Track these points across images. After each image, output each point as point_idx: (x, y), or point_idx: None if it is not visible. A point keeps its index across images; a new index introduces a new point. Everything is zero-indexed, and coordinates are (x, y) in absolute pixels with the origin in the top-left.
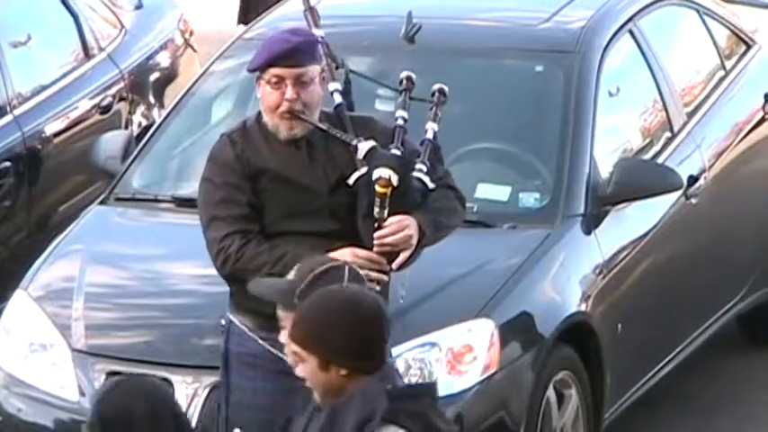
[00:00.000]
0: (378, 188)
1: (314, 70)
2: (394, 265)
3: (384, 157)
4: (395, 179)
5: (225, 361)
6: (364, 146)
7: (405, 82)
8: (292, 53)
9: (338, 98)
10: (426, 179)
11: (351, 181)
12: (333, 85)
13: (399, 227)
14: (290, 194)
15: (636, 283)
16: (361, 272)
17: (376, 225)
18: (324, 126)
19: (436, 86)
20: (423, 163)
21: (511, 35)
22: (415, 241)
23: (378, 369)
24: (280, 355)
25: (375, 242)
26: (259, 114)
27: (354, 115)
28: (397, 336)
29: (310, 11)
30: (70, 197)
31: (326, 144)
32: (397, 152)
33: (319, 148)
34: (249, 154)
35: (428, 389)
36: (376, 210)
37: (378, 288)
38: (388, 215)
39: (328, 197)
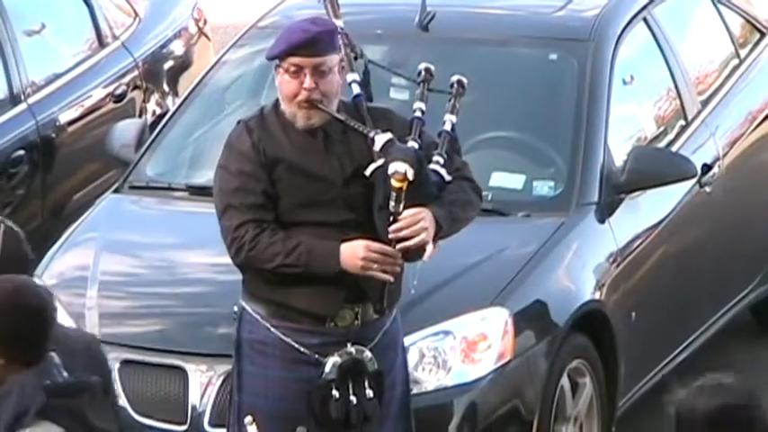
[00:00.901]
0: (393, 182)
1: (333, 60)
2: (425, 258)
3: (400, 150)
4: (410, 174)
5: (237, 348)
6: (381, 138)
7: (423, 73)
8: (311, 42)
9: (356, 89)
10: (443, 171)
11: (368, 172)
12: (351, 76)
13: (414, 220)
14: (305, 184)
15: (650, 272)
16: (374, 265)
17: (391, 219)
18: (341, 117)
19: (455, 78)
20: (440, 155)
21: (525, 23)
22: (431, 234)
23: (35, 362)
24: (291, 343)
25: (390, 236)
26: (276, 102)
27: (372, 106)
28: (412, 324)
29: (330, 1)
30: (84, 185)
31: (343, 134)
32: (415, 144)
33: (336, 139)
34: (265, 142)
35: (88, 386)
36: (391, 204)
37: (392, 280)
38: (404, 208)
39: (343, 188)
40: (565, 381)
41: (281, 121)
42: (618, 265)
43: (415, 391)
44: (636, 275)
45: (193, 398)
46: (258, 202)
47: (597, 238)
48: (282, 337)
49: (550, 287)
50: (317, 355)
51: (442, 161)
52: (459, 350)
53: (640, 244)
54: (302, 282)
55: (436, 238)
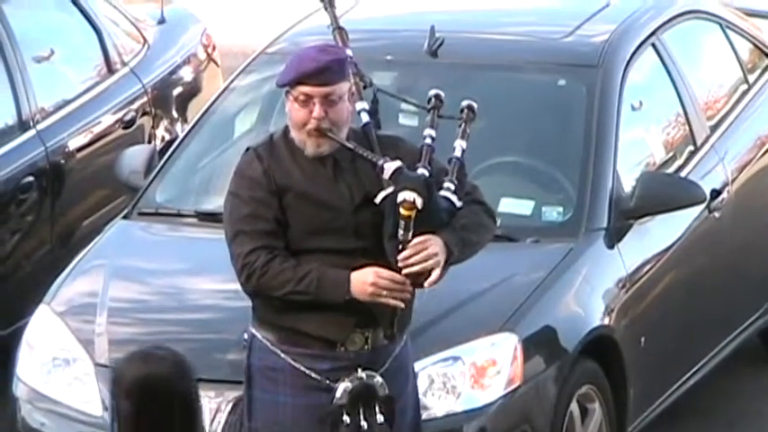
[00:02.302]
0: (402, 210)
1: (342, 88)
2: (426, 284)
3: (409, 178)
4: (419, 202)
5: (248, 375)
6: (390, 166)
7: (433, 100)
8: (321, 72)
9: (365, 117)
10: (454, 198)
11: (377, 200)
12: (360, 105)
13: (422, 247)
14: (314, 212)
15: (659, 297)
16: (383, 293)
17: (400, 246)
18: (351, 145)
19: (465, 103)
20: (451, 181)
21: (533, 49)
22: (441, 260)
23: None
24: (302, 368)
25: (399, 264)
26: (286, 129)
27: (382, 134)
28: (421, 350)
29: (339, 30)
30: (93, 212)
31: (353, 162)
32: (425, 172)
33: (345, 167)
34: (275, 169)
35: None
36: (400, 232)
37: (402, 307)
38: (414, 236)
39: (352, 215)
40: (574, 406)
41: (290, 148)
42: (627, 291)
43: (424, 416)
44: (645, 301)
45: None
46: (269, 228)
47: (606, 264)
48: (293, 362)
49: (560, 313)
50: (327, 381)
51: (453, 187)
52: (468, 376)
53: (649, 269)
54: (312, 307)
55: (447, 264)
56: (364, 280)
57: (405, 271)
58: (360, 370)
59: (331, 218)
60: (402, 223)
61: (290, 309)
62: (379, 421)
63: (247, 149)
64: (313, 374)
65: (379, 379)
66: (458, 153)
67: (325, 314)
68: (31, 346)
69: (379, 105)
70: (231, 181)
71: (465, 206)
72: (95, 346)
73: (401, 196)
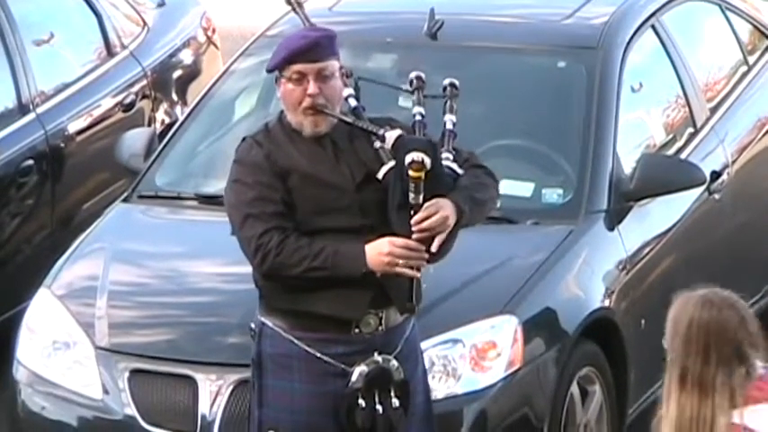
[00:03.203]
0: (412, 173)
1: (334, 65)
2: (432, 248)
3: (414, 141)
4: (428, 161)
5: (258, 363)
6: (392, 134)
7: (415, 81)
8: (312, 48)
9: (353, 102)
10: (454, 166)
11: (380, 175)
12: (346, 91)
13: (435, 209)
14: (319, 192)
15: (659, 279)
16: (399, 261)
17: (412, 211)
18: (349, 119)
19: (446, 81)
20: (448, 151)
21: (533, 31)
22: (452, 221)
23: None
24: (317, 354)
25: (413, 228)
26: (281, 115)
27: (373, 116)
28: (422, 332)
29: (299, 6)
30: (93, 195)
31: (350, 141)
32: (425, 137)
33: (344, 147)
34: (276, 154)
35: None
36: (411, 195)
37: (419, 275)
38: (424, 200)
39: (356, 194)
40: (574, 388)
41: (287, 132)
42: (627, 273)
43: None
44: (645, 283)
45: (203, 407)
46: (278, 210)
47: (606, 246)
48: (307, 349)
49: (560, 295)
50: (343, 365)
51: (451, 157)
52: (468, 358)
53: (650, 251)
54: (325, 287)
55: (459, 225)
56: (380, 250)
57: (416, 236)
58: (376, 353)
59: (336, 197)
60: (412, 186)
61: (302, 291)
62: (394, 405)
63: (244, 139)
64: (328, 359)
65: (394, 362)
66: (449, 126)
67: (339, 293)
68: (31, 330)
69: (360, 94)
70: (232, 170)
71: (466, 171)
72: (96, 329)
73: (409, 157)
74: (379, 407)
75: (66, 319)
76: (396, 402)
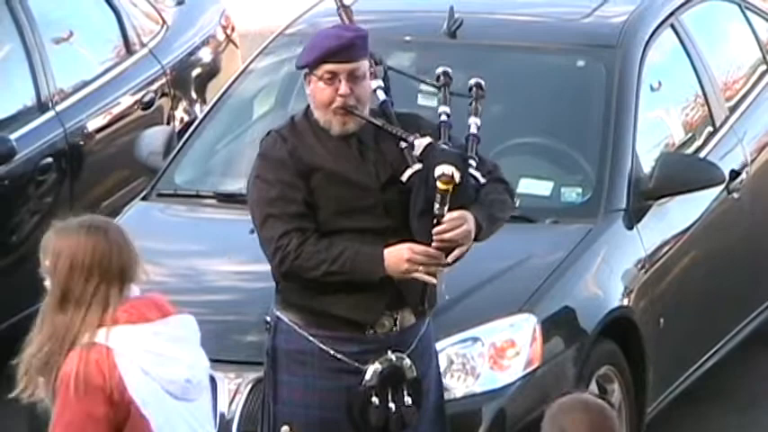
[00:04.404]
0: (440, 185)
1: (365, 65)
2: (450, 258)
3: (444, 153)
4: (457, 176)
5: (272, 358)
6: (421, 142)
7: (442, 77)
8: (346, 48)
9: (381, 95)
10: (477, 174)
11: (404, 178)
12: (375, 83)
13: (459, 222)
14: (343, 192)
15: (678, 278)
16: (419, 268)
17: (435, 221)
18: (378, 122)
19: (473, 81)
20: (472, 158)
21: (552, 30)
22: (473, 236)
23: None
24: (331, 351)
25: (435, 237)
26: (307, 110)
27: (400, 112)
28: (441, 331)
29: (344, 9)
30: (112, 193)
31: (376, 141)
32: (455, 150)
33: (369, 145)
34: (301, 151)
35: None
36: (436, 206)
37: (435, 282)
38: (448, 211)
39: (380, 194)
40: (593, 387)
41: (313, 129)
42: (646, 272)
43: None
44: (664, 282)
45: (222, 405)
46: (299, 210)
47: (625, 245)
48: (322, 346)
49: (579, 294)
50: (356, 363)
51: (474, 164)
52: (487, 357)
53: (668, 250)
54: (343, 289)
55: (477, 239)
56: (399, 256)
57: (437, 245)
58: (389, 352)
59: (359, 196)
60: (439, 197)
61: (320, 291)
62: (407, 403)
63: (269, 132)
64: (342, 357)
65: (408, 361)
66: (473, 130)
67: (356, 297)
68: None
69: (390, 83)
70: (255, 164)
71: (488, 183)
72: None
73: (439, 170)
74: (392, 404)
75: None
76: (408, 400)
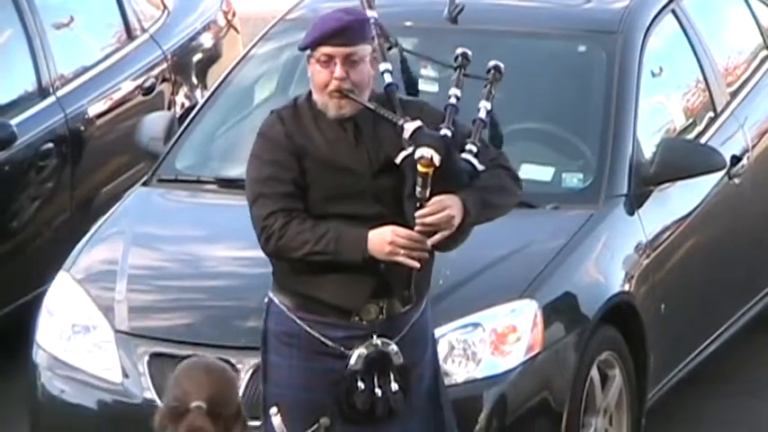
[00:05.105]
0: (420, 167)
1: (364, 50)
2: (429, 242)
3: (428, 136)
4: (437, 159)
5: (264, 339)
6: (411, 126)
7: (460, 58)
8: (342, 31)
9: (389, 78)
10: (474, 160)
11: (398, 160)
12: (384, 66)
13: (440, 206)
14: (334, 177)
15: (679, 263)
16: (401, 251)
17: (418, 204)
18: (372, 106)
19: (492, 63)
20: (473, 144)
21: (553, 15)
22: (457, 221)
23: None
24: (317, 335)
25: (417, 221)
26: (310, 93)
27: (406, 98)
28: (442, 316)
29: None
30: (113, 178)
31: (374, 126)
32: (447, 132)
33: (366, 131)
34: (296, 132)
35: None
36: (418, 189)
37: (418, 266)
38: (432, 195)
39: (372, 180)
40: (594, 373)
41: (313, 111)
42: (647, 257)
43: (444, 383)
44: (665, 267)
45: None
46: (288, 191)
47: (626, 230)
48: (308, 329)
49: (580, 279)
50: (342, 348)
51: (474, 150)
52: (488, 342)
53: (669, 236)
54: (329, 273)
55: (464, 224)
56: (382, 238)
57: (419, 228)
58: (375, 337)
59: (350, 182)
60: (420, 180)
61: (307, 274)
62: (393, 389)
63: (271, 112)
64: (328, 342)
65: (394, 347)
66: (482, 114)
67: (342, 281)
68: (50, 313)
69: (407, 64)
70: (254, 144)
71: (489, 170)
72: (115, 313)
73: (419, 152)
74: (378, 390)
75: (85, 302)
76: (395, 386)
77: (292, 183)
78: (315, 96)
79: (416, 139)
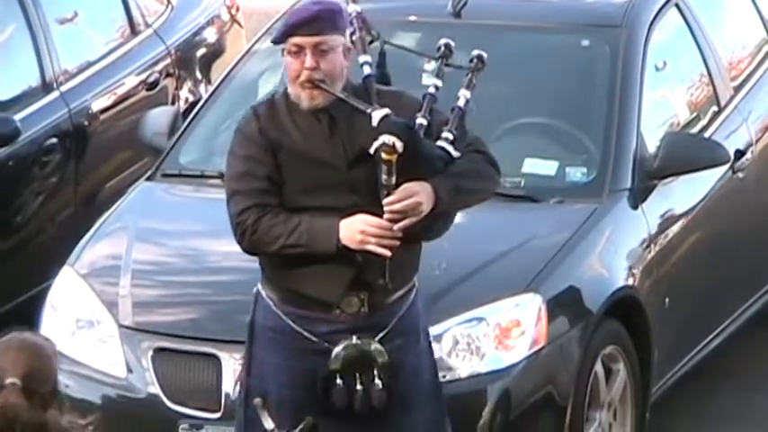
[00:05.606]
0: (383, 155)
1: (334, 40)
2: (395, 228)
3: (392, 124)
4: (399, 145)
5: (250, 332)
6: (378, 114)
7: (443, 49)
8: (310, 21)
9: (367, 70)
10: (450, 148)
11: (371, 150)
12: (363, 57)
13: (407, 194)
14: (309, 169)
15: (683, 258)
16: (371, 240)
17: (385, 192)
18: (342, 95)
19: (475, 53)
20: (450, 131)
21: (557, 10)
22: (426, 208)
23: None
24: (301, 331)
25: (385, 209)
26: (287, 87)
27: (384, 89)
28: (446, 311)
29: None
30: (117, 173)
31: (349, 118)
32: (424, 121)
33: (341, 122)
34: (271, 127)
35: None
36: (384, 177)
37: (389, 254)
38: (401, 182)
39: (347, 172)
40: (598, 367)
41: (288, 105)
42: (651, 251)
43: (448, 377)
44: (669, 261)
45: (227, 385)
46: (263, 186)
47: (630, 224)
48: (293, 325)
49: (584, 273)
50: (326, 344)
51: (451, 137)
52: (492, 337)
53: (673, 230)
54: (308, 266)
55: (437, 211)
56: (353, 227)
57: (387, 216)
58: (354, 337)
59: (326, 175)
60: (384, 168)
61: (288, 269)
62: (377, 387)
63: (249, 108)
64: (312, 337)
65: (377, 345)
66: (461, 103)
67: (320, 274)
68: (54, 308)
69: (386, 59)
70: (231, 140)
71: (465, 155)
72: (119, 307)
73: (380, 139)
74: (359, 387)
75: (89, 297)
76: (379, 384)
77: (266, 178)
78: (289, 89)
79: (382, 126)
